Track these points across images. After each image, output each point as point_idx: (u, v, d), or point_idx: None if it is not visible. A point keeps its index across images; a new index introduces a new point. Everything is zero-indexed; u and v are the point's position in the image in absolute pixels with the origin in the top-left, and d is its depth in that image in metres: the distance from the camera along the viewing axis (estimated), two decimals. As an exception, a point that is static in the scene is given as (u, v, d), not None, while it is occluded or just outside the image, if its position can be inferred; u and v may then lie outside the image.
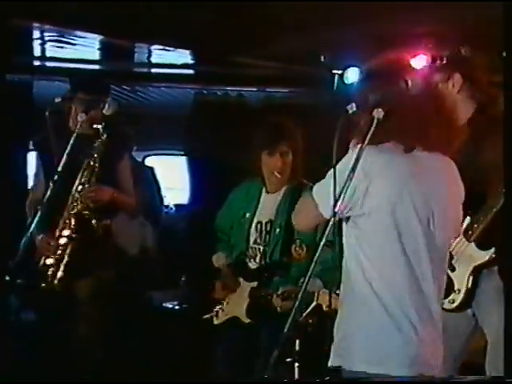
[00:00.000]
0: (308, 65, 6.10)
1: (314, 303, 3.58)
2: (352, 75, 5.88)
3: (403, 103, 2.60)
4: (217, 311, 4.28)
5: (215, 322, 4.27)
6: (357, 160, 2.49)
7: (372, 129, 2.52)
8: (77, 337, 4.25)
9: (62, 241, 4.18)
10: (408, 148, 2.59)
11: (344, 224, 2.65)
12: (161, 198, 7.18)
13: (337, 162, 2.54)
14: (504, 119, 2.90)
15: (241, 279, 4.23)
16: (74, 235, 4.20)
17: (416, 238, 2.61)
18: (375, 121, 2.53)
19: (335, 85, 6.14)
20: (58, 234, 4.20)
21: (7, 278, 3.29)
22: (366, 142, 2.51)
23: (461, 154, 3.33)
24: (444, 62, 3.48)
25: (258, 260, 4.23)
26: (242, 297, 4.18)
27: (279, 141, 4.10)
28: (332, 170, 2.56)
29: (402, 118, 2.58)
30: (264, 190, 4.27)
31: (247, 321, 4.14)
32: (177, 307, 5.90)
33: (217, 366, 4.33)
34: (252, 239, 4.25)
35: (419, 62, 4.18)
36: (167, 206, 7.66)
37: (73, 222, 4.21)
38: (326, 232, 2.50)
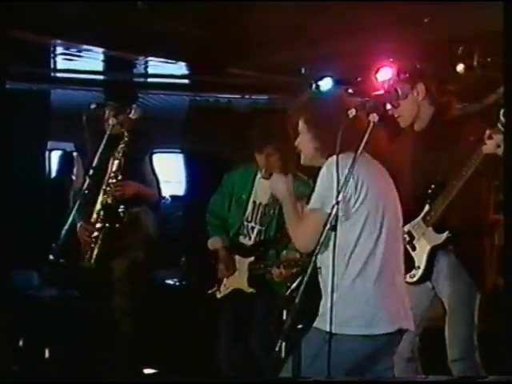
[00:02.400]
0: (289, 75, 6.20)
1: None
2: (327, 85, 6.00)
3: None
4: (218, 286, 4.30)
5: (218, 295, 4.30)
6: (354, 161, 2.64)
7: (369, 131, 2.63)
8: (107, 308, 4.39)
9: (96, 228, 4.34)
10: None
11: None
12: (159, 190, 7.25)
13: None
14: (505, 119, 2.98)
15: (237, 256, 4.26)
16: (104, 224, 4.32)
17: None
18: (371, 124, 2.64)
19: (312, 93, 6.20)
20: (93, 221, 4.34)
21: (51, 257, 3.40)
22: (363, 143, 2.62)
23: (422, 152, 3.54)
24: (408, 74, 3.54)
25: (252, 237, 4.25)
26: (241, 271, 4.22)
27: (265, 144, 4.09)
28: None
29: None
30: (259, 174, 4.24)
31: (249, 290, 4.18)
32: (177, 284, 6.00)
33: (210, 333, 4.37)
34: (246, 217, 4.26)
35: (387, 73, 4.33)
36: (164, 197, 7.76)
37: (102, 213, 4.33)
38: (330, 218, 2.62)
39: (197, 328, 5.26)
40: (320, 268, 2.85)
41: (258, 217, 4.25)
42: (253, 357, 4.13)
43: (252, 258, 4.20)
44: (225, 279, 4.29)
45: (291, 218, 2.87)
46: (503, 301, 2.80)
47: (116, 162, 4.32)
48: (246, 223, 4.28)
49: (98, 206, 4.33)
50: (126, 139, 4.30)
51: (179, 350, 5.10)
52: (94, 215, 4.34)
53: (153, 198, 4.65)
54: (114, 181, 4.34)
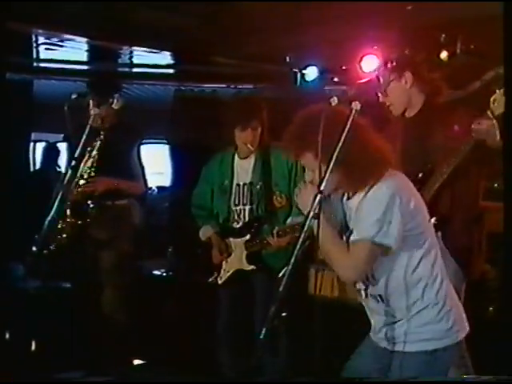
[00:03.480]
0: (274, 64, 6.12)
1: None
2: (312, 73, 5.96)
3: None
4: (218, 273, 4.24)
5: (219, 282, 4.22)
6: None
7: (351, 119, 2.53)
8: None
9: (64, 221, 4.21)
10: None
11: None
12: (145, 181, 7.23)
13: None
14: (505, 118, 2.96)
15: (231, 239, 4.21)
16: (71, 219, 4.20)
17: None
18: (353, 112, 2.54)
19: (298, 81, 6.09)
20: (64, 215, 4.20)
21: (34, 248, 3.35)
22: (346, 131, 2.51)
23: (412, 138, 3.49)
24: (395, 63, 3.50)
25: (244, 219, 4.19)
26: (239, 251, 4.18)
27: (250, 119, 4.08)
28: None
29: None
30: (236, 156, 4.24)
31: (249, 268, 4.13)
32: (164, 274, 5.94)
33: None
34: (233, 202, 4.22)
35: (372, 63, 4.27)
36: (151, 188, 7.69)
37: (71, 208, 4.20)
38: (314, 205, 2.46)
39: (185, 318, 5.23)
40: (380, 296, 2.68)
41: (246, 196, 4.20)
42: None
43: (247, 237, 4.16)
44: (223, 263, 4.23)
45: (331, 243, 2.54)
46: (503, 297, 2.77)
47: (90, 159, 4.22)
48: (234, 208, 4.22)
49: (68, 201, 4.15)
50: (102, 137, 4.20)
51: (169, 340, 5.03)
52: (67, 209, 4.19)
53: (136, 190, 4.55)
54: (86, 176, 4.24)
